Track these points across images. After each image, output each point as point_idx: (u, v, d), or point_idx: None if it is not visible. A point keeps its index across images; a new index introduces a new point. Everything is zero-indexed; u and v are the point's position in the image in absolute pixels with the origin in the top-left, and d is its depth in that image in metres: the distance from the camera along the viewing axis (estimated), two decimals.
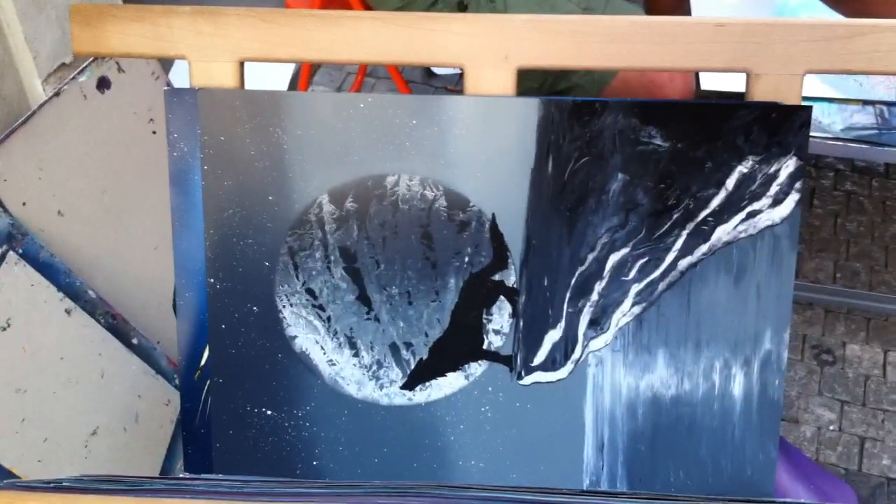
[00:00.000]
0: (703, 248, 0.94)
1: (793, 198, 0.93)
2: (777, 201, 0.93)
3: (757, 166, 0.93)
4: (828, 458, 1.66)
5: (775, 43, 0.91)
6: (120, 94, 1.55)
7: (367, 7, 1.80)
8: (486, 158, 0.94)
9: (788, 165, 0.92)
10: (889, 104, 1.60)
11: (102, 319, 1.45)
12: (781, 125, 0.92)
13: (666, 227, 0.94)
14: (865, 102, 1.60)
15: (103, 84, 1.53)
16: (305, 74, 2.17)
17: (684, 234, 0.94)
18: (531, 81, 1.61)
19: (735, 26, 0.92)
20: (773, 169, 0.93)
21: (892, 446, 1.68)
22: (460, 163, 0.94)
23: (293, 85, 2.23)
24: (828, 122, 1.57)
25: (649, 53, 0.93)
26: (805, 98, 1.59)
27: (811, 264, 2.01)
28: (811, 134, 1.54)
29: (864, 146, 1.54)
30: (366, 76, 2.54)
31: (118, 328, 1.47)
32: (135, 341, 1.50)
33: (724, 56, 0.92)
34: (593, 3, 1.61)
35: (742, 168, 0.93)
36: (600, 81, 1.58)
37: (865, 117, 1.58)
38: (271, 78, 2.26)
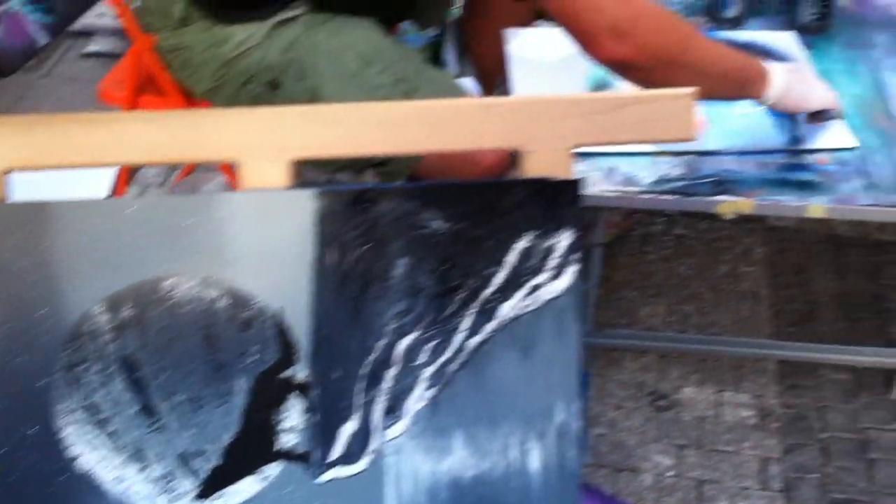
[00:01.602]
0: (491, 325, 0.95)
1: (572, 269, 0.94)
2: (557, 274, 0.94)
3: (535, 241, 0.94)
4: None
5: (543, 120, 0.93)
6: None
7: (183, 91, 1.78)
8: (266, 253, 0.93)
9: (565, 238, 0.94)
10: (698, 153, 1.65)
11: None
12: (555, 199, 0.93)
13: (452, 308, 0.94)
14: (676, 154, 1.65)
15: None
16: (125, 169, 2.14)
17: (471, 313, 0.95)
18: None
19: (503, 106, 0.93)
20: (550, 243, 0.94)
21: (730, 486, 1.72)
22: (241, 259, 0.92)
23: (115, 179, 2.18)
24: (640, 175, 1.61)
25: (422, 137, 0.93)
26: (617, 152, 1.64)
27: (644, 310, 2.06)
28: (624, 189, 1.59)
29: (673, 197, 1.58)
30: None
31: None
32: None
33: (495, 135, 0.94)
34: (407, 73, 1.62)
35: (521, 244, 0.94)
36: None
37: (676, 169, 1.63)
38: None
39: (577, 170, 1.54)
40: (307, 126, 0.93)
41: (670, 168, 1.63)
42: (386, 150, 0.93)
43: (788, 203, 1.55)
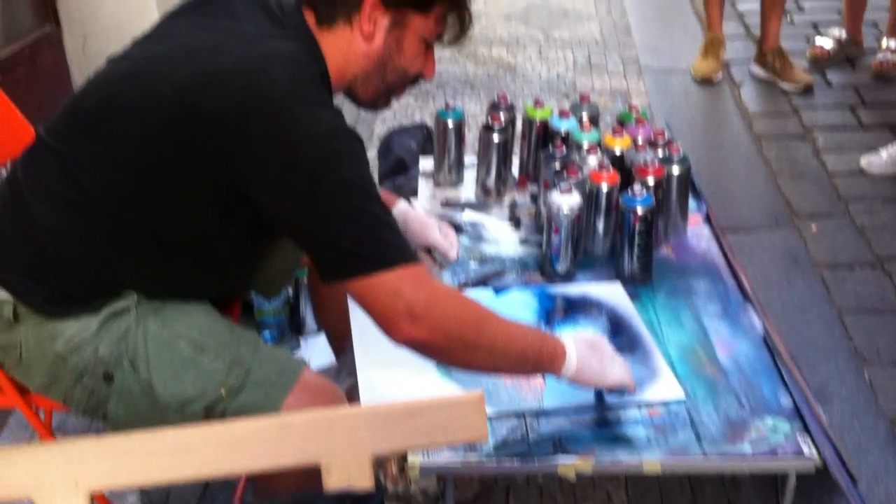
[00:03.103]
0: None
1: None
2: None
3: None
4: None
5: (340, 433, 0.95)
6: None
7: (19, 387, 1.75)
8: None
9: None
10: (536, 414, 1.68)
11: None
12: None
13: None
14: (515, 415, 1.68)
15: None
16: None
17: None
18: None
19: (299, 425, 0.95)
20: None
21: None
22: None
23: None
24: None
25: (218, 460, 0.93)
26: None
27: None
28: (466, 456, 1.60)
29: (515, 462, 1.59)
30: None
31: None
32: None
33: (294, 452, 0.95)
34: (240, 356, 1.63)
35: None
36: None
37: (515, 431, 1.65)
38: None
39: None
40: (103, 457, 0.92)
41: (510, 431, 1.65)
42: (184, 475, 0.93)
43: (625, 461, 1.58)
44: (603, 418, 1.66)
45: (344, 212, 1.44)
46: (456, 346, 1.49)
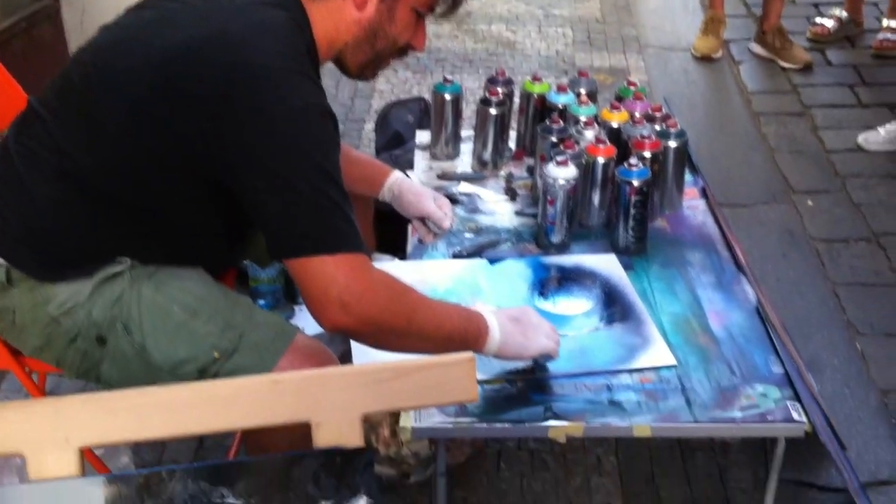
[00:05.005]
0: None
1: None
2: None
3: None
4: None
5: (330, 391, 0.96)
6: None
7: (12, 350, 1.76)
8: None
9: None
10: (528, 379, 1.69)
11: None
12: (346, 468, 0.95)
13: None
14: (507, 380, 1.69)
15: None
16: None
17: None
18: None
19: (290, 381, 0.96)
20: None
21: None
22: None
23: None
24: (472, 404, 1.64)
25: (209, 417, 0.94)
26: None
27: None
28: (457, 419, 1.61)
29: (506, 426, 1.61)
30: None
31: None
32: None
33: (285, 409, 0.96)
34: (234, 320, 1.64)
35: None
36: None
37: (506, 397, 1.66)
38: None
39: None
40: (94, 415, 0.93)
41: (501, 396, 1.66)
42: (175, 432, 0.93)
43: (615, 424, 1.59)
44: (594, 384, 1.67)
45: (301, 189, 1.44)
46: (385, 335, 1.51)
